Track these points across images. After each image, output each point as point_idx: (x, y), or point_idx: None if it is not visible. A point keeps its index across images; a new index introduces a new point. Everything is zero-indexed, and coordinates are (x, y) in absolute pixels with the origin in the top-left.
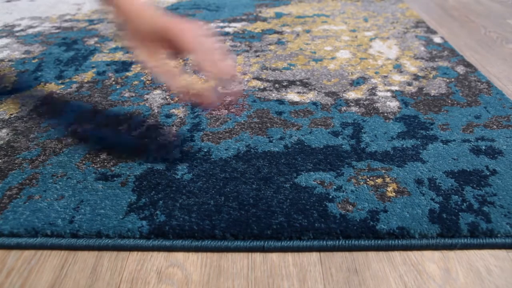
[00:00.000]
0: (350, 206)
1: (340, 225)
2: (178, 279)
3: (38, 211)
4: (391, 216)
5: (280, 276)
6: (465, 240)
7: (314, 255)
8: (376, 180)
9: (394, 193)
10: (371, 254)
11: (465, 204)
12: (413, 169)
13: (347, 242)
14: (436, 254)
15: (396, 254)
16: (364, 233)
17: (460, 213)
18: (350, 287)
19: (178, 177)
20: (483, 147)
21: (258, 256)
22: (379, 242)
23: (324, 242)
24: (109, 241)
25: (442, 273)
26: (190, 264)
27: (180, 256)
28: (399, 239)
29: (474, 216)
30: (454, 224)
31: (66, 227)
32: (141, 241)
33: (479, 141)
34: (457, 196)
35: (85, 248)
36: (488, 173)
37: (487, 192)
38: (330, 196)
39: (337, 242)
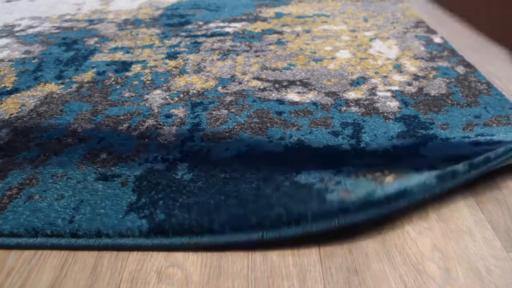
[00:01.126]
0: (348, 193)
1: (338, 207)
2: (178, 279)
3: (38, 211)
4: (388, 189)
5: (280, 276)
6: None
7: (314, 255)
8: (376, 173)
9: (392, 179)
10: (371, 254)
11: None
12: (413, 162)
13: (346, 218)
14: (436, 254)
15: (396, 254)
16: (362, 207)
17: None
18: (350, 287)
19: (178, 177)
20: (483, 140)
21: (258, 256)
22: (377, 209)
23: (323, 224)
24: (109, 241)
25: (442, 273)
26: (190, 264)
27: (180, 256)
28: (400, 198)
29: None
30: (452, 169)
31: (66, 227)
32: (141, 239)
33: (478, 136)
34: (455, 163)
35: (85, 248)
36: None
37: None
38: (330, 189)
39: (336, 221)
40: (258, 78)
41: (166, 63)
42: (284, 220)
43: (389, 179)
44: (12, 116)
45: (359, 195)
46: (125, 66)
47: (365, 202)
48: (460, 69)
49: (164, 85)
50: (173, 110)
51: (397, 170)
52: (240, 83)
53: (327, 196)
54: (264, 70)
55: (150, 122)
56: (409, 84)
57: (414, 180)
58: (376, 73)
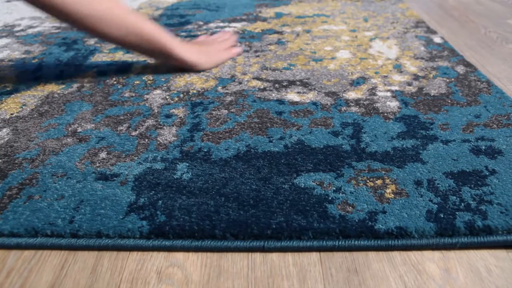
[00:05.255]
0: (349, 207)
1: (339, 225)
2: (178, 279)
3: (38, 211)
4: (389, 216)
5: (280, 276)
6: (464, 238)
7: (314, 255)
8: (376, 182)
9: (392, 195)
10: (371, 254)
11: (462, 204)
12: (413, 170)
13: (346, 242)
14: (436, 254)
15: (396, 254)
16: (363, 232)
17: (457, 213)
18: (350, 287)
19: (178, 177)
20: (483, 147)
21: (258, 256)
22: (378, 241)
23: (324, 242)
24: (109, 241)
25: (442, 273)
26: (190, 264)
27: (180, 256)
28: (398, 238)
29: (471, 215)
30: (451, 223)
31: (66, 227)
32: (141, 241)
33: (479, 141)
34: (454, 197)
35: (85, 248)
36: (487, 173)
37: (484, 191)
38: (330, 198)
39: (337, 242)
40: (258, 78)
41: None
42: (285, 233)
43: (389, 192)
44: (12, 116)
45: (359, 213)
46: (125, 66)
47: (365, 230)
48: (460, 69)
49: (164, 85)
50: (173, 110)
51: (397, 181)
52: (240, 83)
53: (328, 208)
54: (264, 70)
55: (150, 122)
56: (409, 84)
57: (412, 218)
58: (376, 73)
